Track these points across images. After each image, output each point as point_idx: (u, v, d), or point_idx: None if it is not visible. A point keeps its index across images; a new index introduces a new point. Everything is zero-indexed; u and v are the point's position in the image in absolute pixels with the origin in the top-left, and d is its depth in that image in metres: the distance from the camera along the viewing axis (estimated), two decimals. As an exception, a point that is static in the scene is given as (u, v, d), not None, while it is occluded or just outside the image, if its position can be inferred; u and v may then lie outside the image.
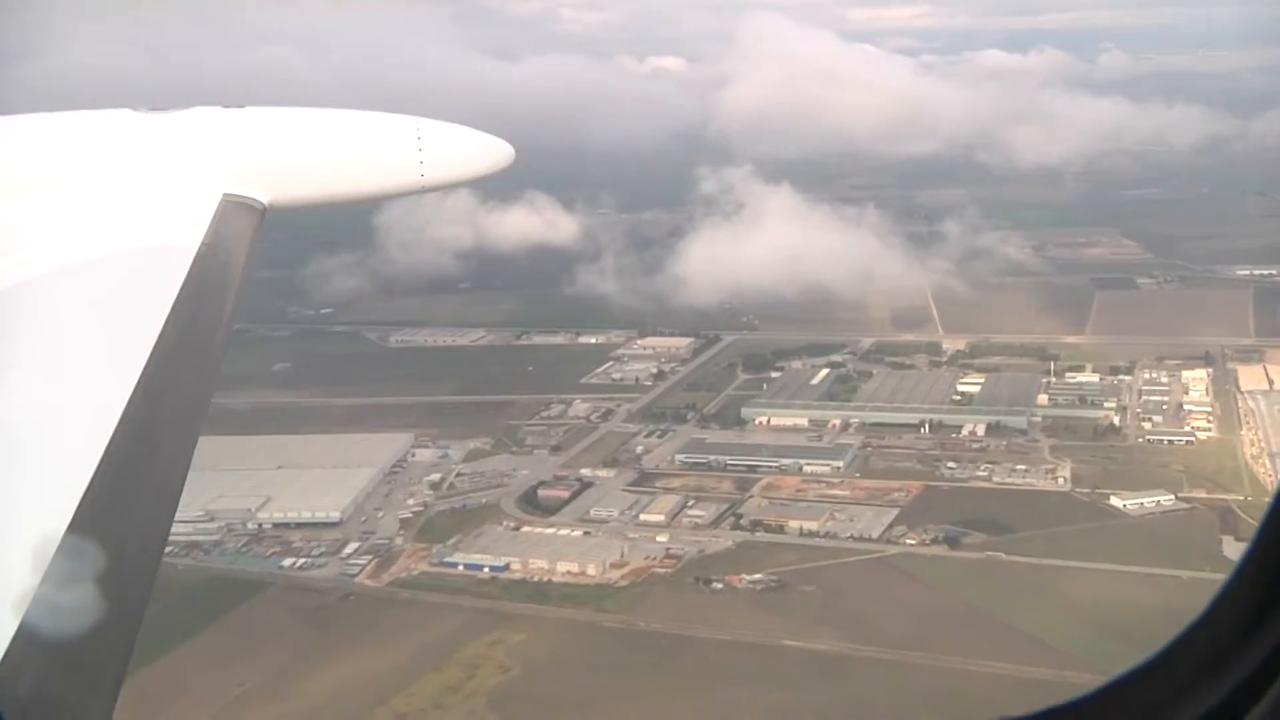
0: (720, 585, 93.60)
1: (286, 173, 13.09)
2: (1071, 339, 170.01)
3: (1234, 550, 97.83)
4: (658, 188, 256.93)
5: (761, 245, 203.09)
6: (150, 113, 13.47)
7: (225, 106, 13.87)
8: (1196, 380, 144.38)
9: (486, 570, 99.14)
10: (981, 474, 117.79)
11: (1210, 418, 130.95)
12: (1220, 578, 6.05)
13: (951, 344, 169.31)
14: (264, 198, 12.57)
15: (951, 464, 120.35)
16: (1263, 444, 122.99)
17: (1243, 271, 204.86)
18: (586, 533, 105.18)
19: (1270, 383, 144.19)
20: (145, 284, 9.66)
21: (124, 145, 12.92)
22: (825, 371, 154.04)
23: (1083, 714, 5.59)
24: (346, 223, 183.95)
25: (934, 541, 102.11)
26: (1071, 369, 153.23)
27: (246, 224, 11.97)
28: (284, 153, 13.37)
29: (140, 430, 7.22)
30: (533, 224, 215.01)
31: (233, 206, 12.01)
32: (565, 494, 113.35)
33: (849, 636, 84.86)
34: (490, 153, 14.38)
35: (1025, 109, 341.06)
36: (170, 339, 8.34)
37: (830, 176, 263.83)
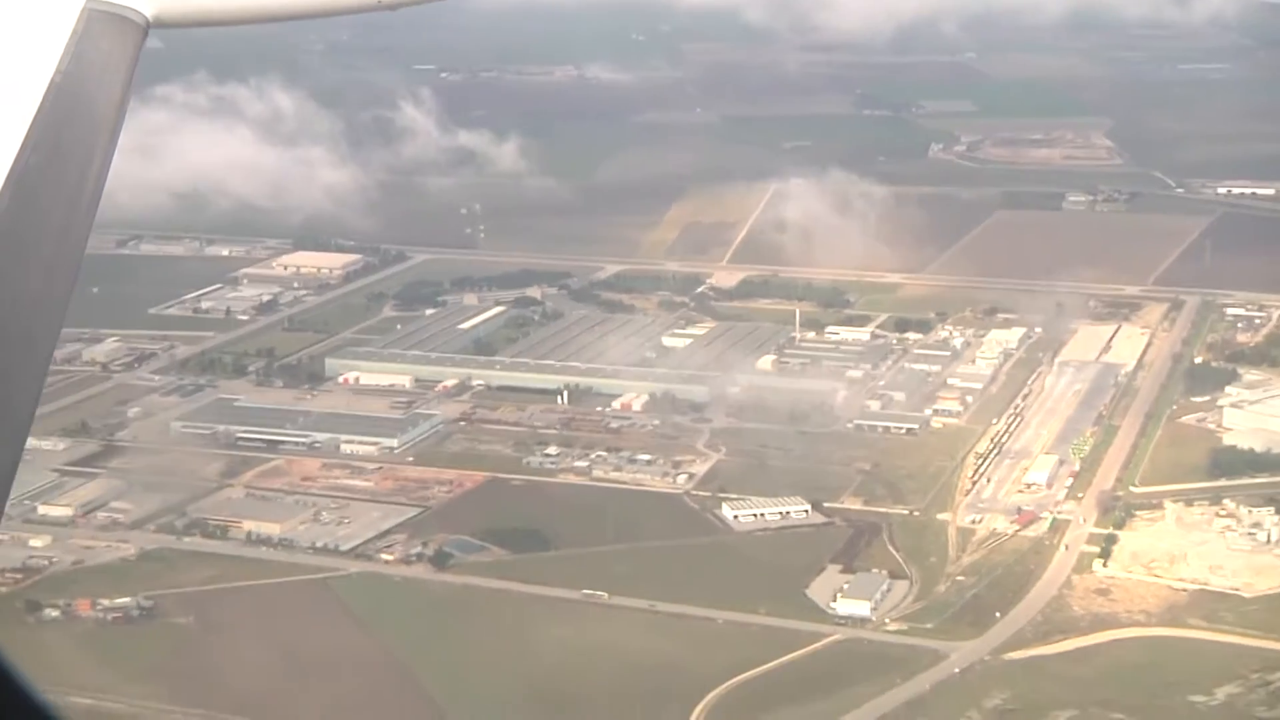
0: (57, 613, 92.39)
1: None
2: (897, 278, 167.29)
3: (822, 590, 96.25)
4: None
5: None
6: None
7: None
8: (999, 344, 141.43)
9: None
10: (581, 465, 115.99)
11: (967, 399, 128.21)
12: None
13: (723, 278, 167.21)
14: (146, 8, 11.93)
15: (551, 450, 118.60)
16: (1009, 435, 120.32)
17: (1225, 190, 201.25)
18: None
19: (1108, 348, 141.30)
20: None
21: None
22: (496, 311, 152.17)
23: None
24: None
25: (418, 559, 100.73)
26: (850, 321, 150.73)
27: (120, 45, 11.31)
28: None
29: None
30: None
31: (100, 19, 11.36)
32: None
33: (156, 694, 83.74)
34: None
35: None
36: (9, 219, 8.68)
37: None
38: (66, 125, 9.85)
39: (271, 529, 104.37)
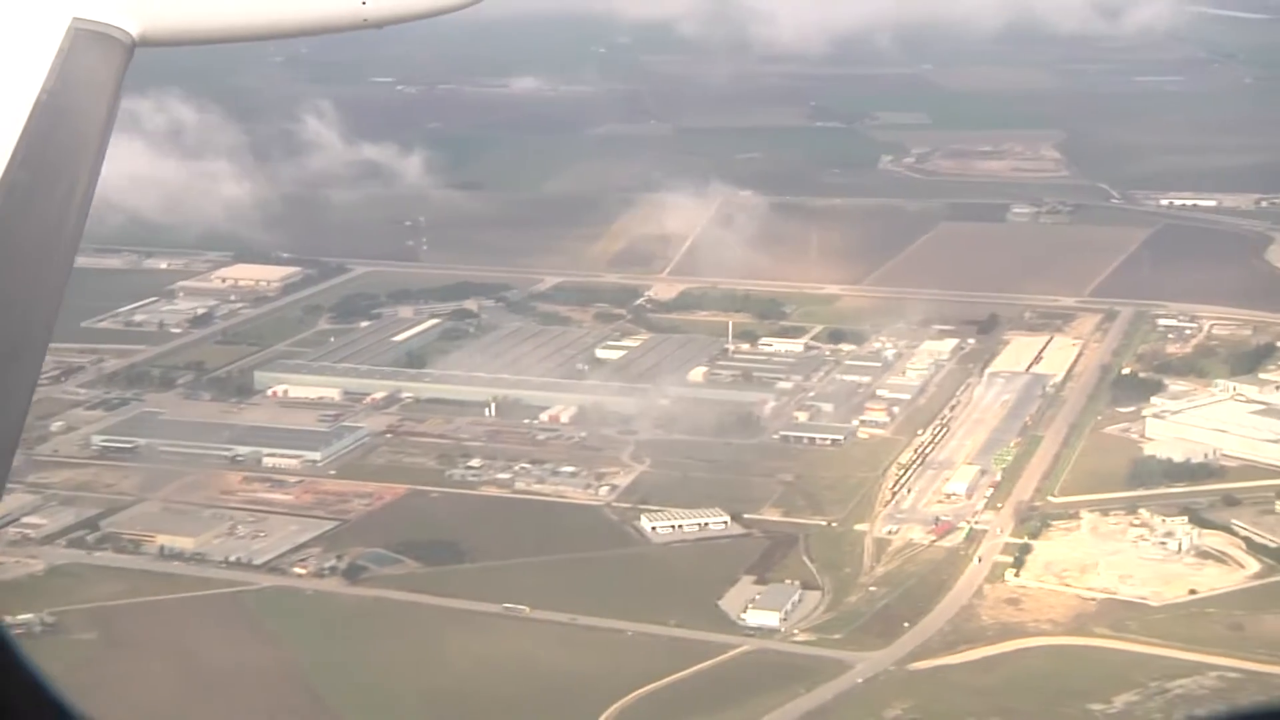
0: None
1: None
2: (836, 289, 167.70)
3: (735, 602, 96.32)
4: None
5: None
6: None
7: None
8: (930, 355, 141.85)
9: None
10: (503, 478, 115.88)
11: (894, 410, 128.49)
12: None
13: (662, 290, 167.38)
14: (131, 27, 12.01)
15: (475, 462, 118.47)
16: (934, 446, 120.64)
17: (1168, 202, 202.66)
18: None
19: (1039, 359, 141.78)
20: None
21: None
22: (430, 324, 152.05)
23: None
24: None
25: (331, 573, 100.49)
26: (785, 332, 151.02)
27: (106, 63, 11.45)
28: None
29: None
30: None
31: (87, 38, 11.44)
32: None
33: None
34: None
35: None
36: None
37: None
38: (53, 142, 9.89)
39: (185, 543, 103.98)
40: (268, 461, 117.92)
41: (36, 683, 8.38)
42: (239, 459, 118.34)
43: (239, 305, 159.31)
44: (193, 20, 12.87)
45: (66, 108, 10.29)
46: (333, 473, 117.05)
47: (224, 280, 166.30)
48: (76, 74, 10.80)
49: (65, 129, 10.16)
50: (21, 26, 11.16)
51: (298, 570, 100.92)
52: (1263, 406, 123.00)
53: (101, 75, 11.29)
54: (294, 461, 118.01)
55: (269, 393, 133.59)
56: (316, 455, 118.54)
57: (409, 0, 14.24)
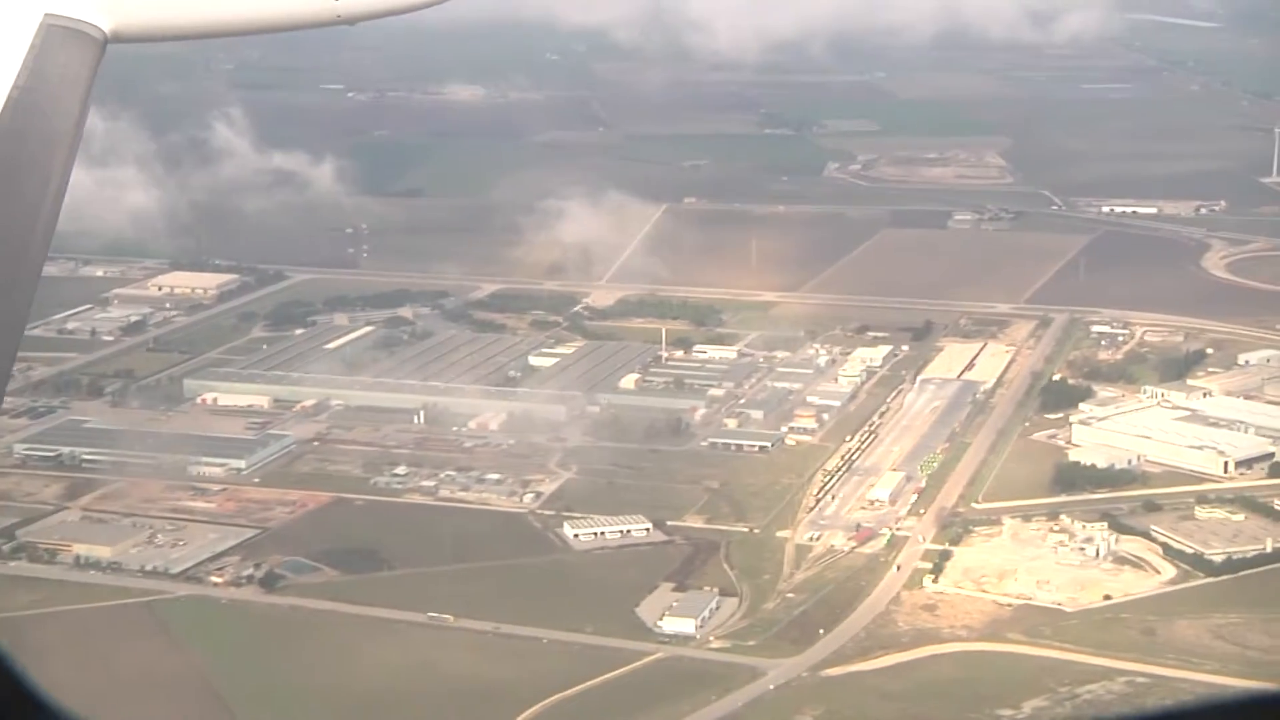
0: None
1: None
2: (774, 296, 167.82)
3: (652, 609, 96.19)
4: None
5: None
6: None
7: None
8: (863, 362, 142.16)
9: None
10: (428, 485, 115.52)
11: (824, 417, 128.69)
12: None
13: (601, 297, 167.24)
14: (104, 23, 11.90)
15: (400, 469, 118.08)
16: (861, 453, 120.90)
17: (1109, 209, 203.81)
18: None
19: (971, 366, 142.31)
20: None
21: None
22: (364, 331, 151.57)
23: None
24: None
25: (248, 581, 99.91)
26: (721, 339, 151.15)
27: (79, 60, 11.33)
28: None
29: None
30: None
31: (59, 34, 11.34)
32: None
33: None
34: None
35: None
36: None
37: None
38: (25, 139, 9.90)
39: (102, 552, 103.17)
40: (192, 470, 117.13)
41: (16, 679, 8.65)
42: (163, 467, 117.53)
43: (173, 313, 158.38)
44: (164, 16, 12.88)
45: (39, 103, 10.30)
46: (257, 481, 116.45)
47: (160, 288, 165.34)
48: (49, 70, 10.84)
49: (38, 124, 10.16)
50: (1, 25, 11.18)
51: (214, 579, 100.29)
52: (1188, 413, 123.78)
53: (74, 71, 11.29)
54: (218, 470, 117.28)
55: (198, 400, 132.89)
56: (241, 463, 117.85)
57: None
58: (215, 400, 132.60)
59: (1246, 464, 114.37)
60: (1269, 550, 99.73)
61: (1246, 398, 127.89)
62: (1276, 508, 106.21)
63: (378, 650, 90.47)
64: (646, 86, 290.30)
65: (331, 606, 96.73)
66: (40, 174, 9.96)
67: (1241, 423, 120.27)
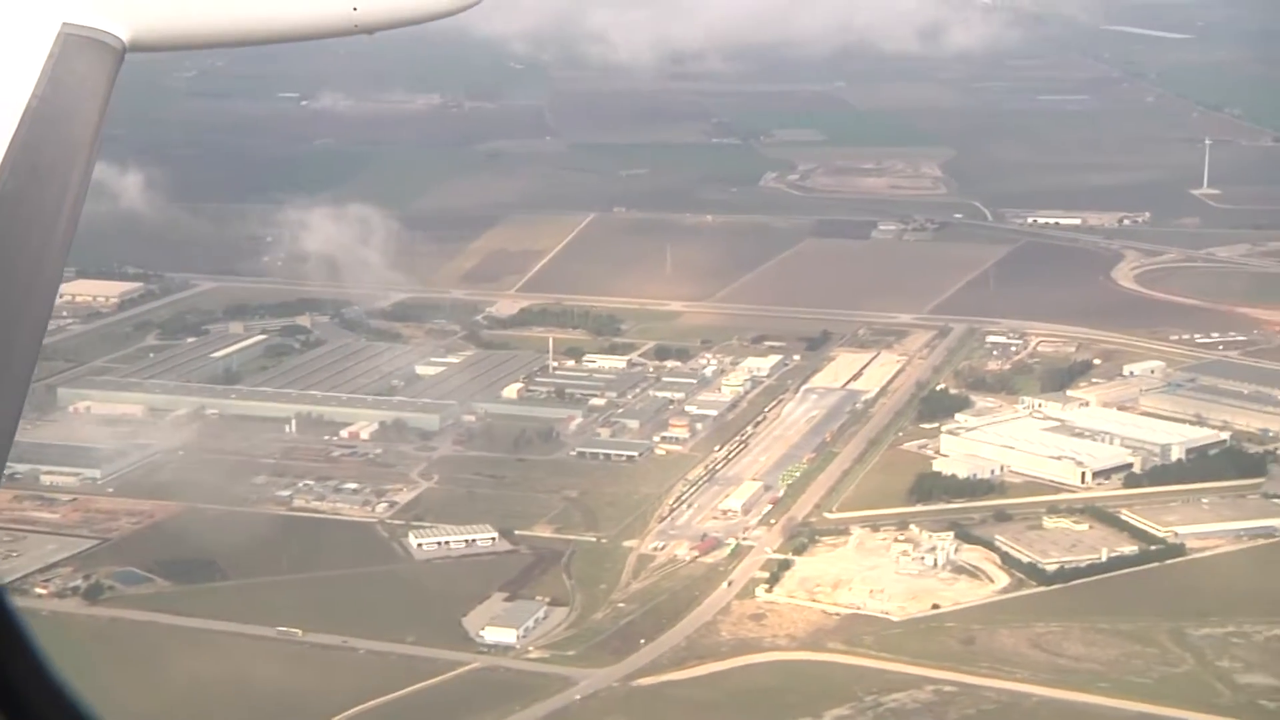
0: None
1: None
2: (679, 306, 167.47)
3: (479, 619, 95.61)
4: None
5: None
6: None
7: None
8: (749, 372, 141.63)
9: None
10: (283, 495, 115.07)
11: (697, 426, 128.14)
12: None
13: (505, 307, 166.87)
14: (122, 32, 12.09)
15: (259, 479, 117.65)
16: (727, 463, 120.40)
17: (1033, 220, 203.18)
18: None
19: (858, 376, 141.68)
20: None
21: None
22: (255, 340, 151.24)
23: None
24: None
25: (73, 593, 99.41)
26: (617, 349, 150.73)
27: (97, 69, 11.53)
28: None
29: None
30: None
31: (77, 43, 11.50)
32: None
33: None
34: None
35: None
36: None
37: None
38: (43, 148, 9.91)
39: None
40: (45, 479, 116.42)
41: (43, 670, 8.54)
42: (15, 476, 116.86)
43: (69, 321, 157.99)
44: (183, 25, 12.97)
45: (57, 113, 10.41)
46: (110, 490, 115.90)
47: (60, 295, 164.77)
48: (67, 79, 10.92)
49: (56, 135, 10.29)
50: (11, 31, 11.22)
51: (39, 590, 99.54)
52: (1057, 424, 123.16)
53: (92, 80, 11.41)
54: (72, 479, 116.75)
55: (70, 409, 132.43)
56: (97, 473, 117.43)
57: (401, 5, 14.16)
58: (89, 409, 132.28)
59: (1105, 474, 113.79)
60: (1103, 559, 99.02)
61: (1120, 409, 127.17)
62: (1122, 517, 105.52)
63: (187, 661, 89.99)
64: (607, 96, 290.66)
65: (153, 618, 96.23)
66: (59, 183, 10.10)
67: (1107, 434, 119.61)
